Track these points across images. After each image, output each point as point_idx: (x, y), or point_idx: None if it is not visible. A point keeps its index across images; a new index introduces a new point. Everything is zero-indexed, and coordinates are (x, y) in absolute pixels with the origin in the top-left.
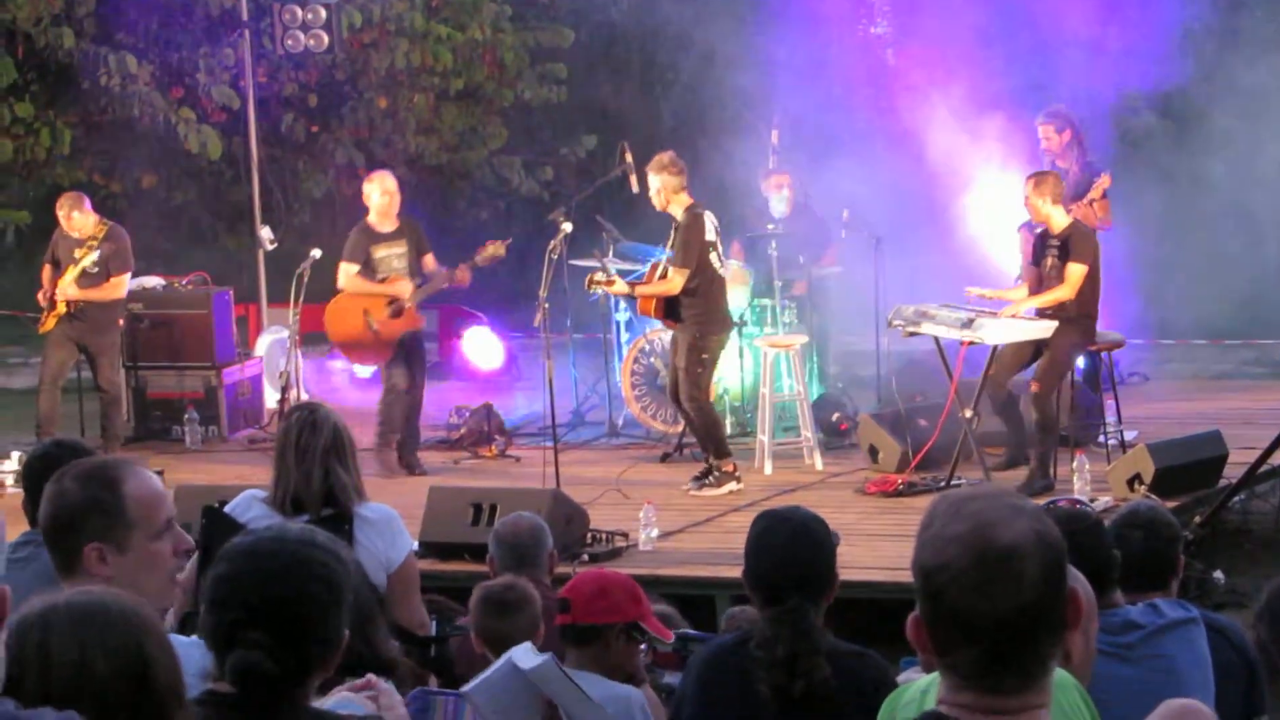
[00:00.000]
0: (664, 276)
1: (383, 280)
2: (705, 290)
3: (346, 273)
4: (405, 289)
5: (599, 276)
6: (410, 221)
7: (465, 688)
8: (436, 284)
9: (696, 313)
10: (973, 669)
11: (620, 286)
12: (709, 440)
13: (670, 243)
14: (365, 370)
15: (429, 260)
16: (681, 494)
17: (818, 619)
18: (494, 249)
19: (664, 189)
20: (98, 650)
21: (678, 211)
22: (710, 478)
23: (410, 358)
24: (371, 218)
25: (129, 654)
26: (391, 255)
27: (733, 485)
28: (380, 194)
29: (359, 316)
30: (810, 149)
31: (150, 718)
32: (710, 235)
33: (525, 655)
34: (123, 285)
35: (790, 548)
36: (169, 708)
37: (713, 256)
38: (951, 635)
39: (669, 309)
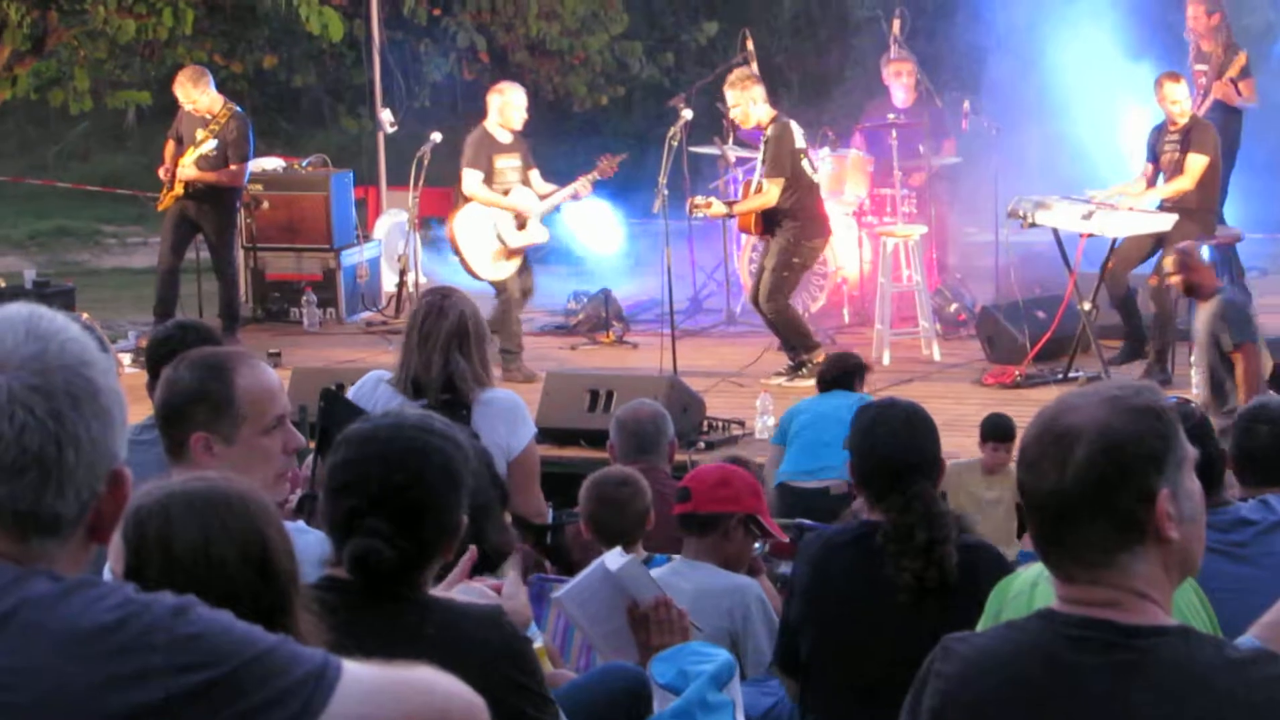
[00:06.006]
0: (759, 190)
1: (504, 192)
2: (801, 199)
3: (472, 179)
4: (530, 202)
5: (698, 200)
6: (521, 135)
7: (556, 594)
8: (559, 198)
9: (791, 220)
10: (1039, 550)
11: (718, 208)
12: (795, 338)
13: (760, 155)
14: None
15: (534, 175)
16: (777, 386)
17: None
18: (609, 163)
19: (741, 103)
20: (221, 536)
21: (764, 122)
22: (804, 370)
23: (524, 266)
24: (491, 126)
25: (251, 540)
26: (509, 167)
27: None
28: (512, 106)
29: (488, 227)
30: (931, 38)
31: (271, 605)
32: (799, 143)
33: (615, 557)
34: (241, 174)
35: (909, 432)
36: (289, 594)
37: (804, 164)
38: (1024, 511)
39: (769, 223)
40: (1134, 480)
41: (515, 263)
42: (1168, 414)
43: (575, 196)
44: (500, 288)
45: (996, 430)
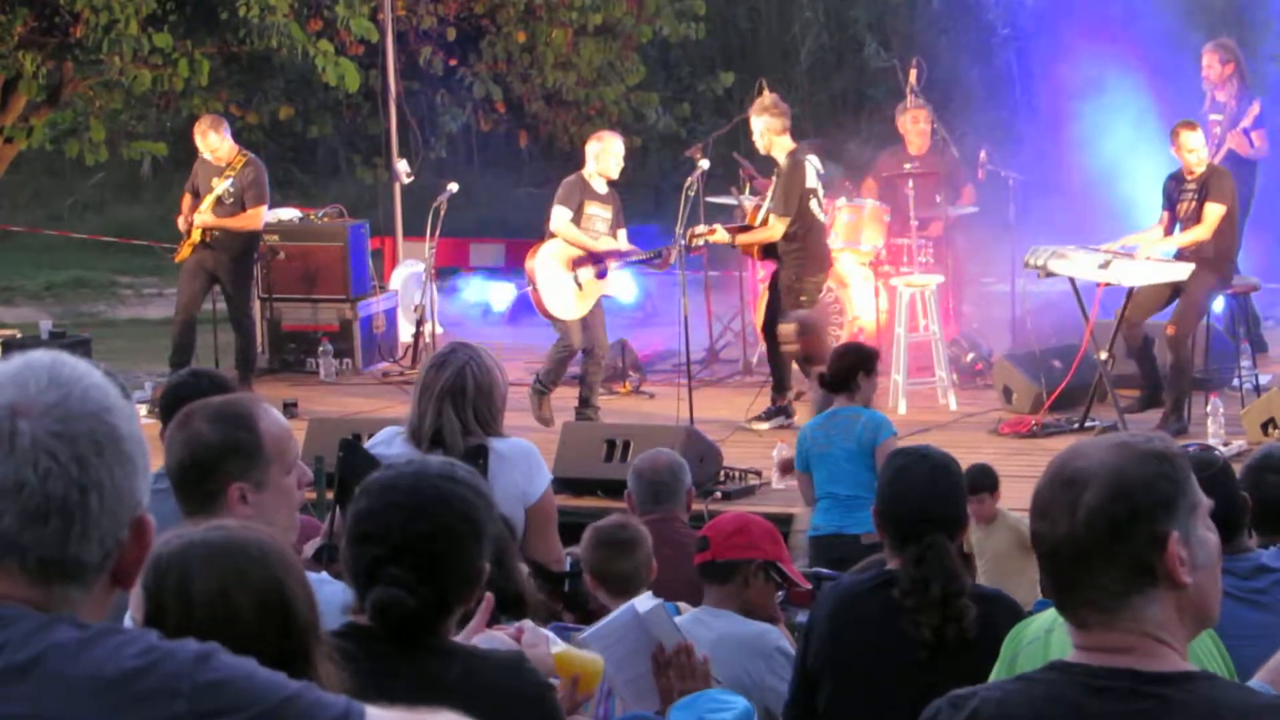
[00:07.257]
0: (765, 223)
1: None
2: (803, 235)
3: (562, 217)
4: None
5: (699, 229)
6: (615, 190)
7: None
8: (638, 257)
9: (794, 256)
10: (1054, 598)
11: (721, 235)
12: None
13: (771, 188)
14: (501, 305)
15: (623, 235)
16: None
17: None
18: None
19: (767, 131)
20: (239, 585)
21: (780, 155)
22: (783, 417)
23: (595, 319)
24: (588, 174)
25: (270, 589)
26: (598, 215)
27: None
28: (609, 154)
29: (567, 266)
30: (946, 89)
31: (291, 654)
32: (811, 181)
33: (644, 601)
34: (258, 218)
35: (930, 485)
36: (308, 643)
37: (813, 203)
38: (1038, 559)
39: (768, 249)
40: (1144, 523)
41: (585, 308)
42: (1179, 460)
43: (659, 263)
44: (564, 330)
45: (972, 483)
